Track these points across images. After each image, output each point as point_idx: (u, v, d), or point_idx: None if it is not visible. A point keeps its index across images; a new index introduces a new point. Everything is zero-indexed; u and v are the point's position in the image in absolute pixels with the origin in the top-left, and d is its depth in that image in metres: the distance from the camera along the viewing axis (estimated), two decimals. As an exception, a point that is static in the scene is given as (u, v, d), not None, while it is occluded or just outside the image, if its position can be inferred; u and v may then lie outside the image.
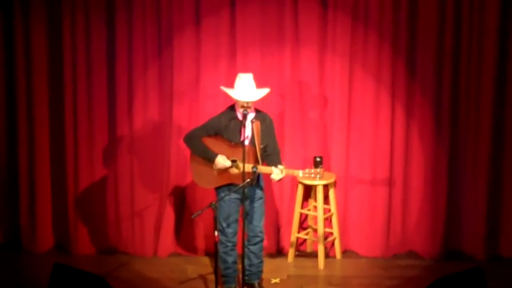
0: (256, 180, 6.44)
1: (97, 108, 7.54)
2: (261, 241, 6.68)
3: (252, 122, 6.37)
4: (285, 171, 6.37)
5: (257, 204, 6.56)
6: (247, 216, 6.49)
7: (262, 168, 6.39)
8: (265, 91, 6.47)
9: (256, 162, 6.37)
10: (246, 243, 6.53)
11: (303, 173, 6.39)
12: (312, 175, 6.36)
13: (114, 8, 7.38)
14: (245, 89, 6.36)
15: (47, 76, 7.57)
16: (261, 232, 6.64)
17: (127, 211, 7.65)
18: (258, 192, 6.57)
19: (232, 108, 6.51)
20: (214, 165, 6.44)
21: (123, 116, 7.55)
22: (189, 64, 7.45)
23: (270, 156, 6.52)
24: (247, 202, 6.43)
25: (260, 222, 6.62)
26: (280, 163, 6.43)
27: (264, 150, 6.48)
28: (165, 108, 7.51)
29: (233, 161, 6.43)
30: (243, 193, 6.23)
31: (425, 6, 7.25)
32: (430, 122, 7.43)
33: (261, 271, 6.81)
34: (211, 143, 6.47)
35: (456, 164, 7.46)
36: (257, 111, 6.53)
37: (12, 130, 7.66)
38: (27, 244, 7.75)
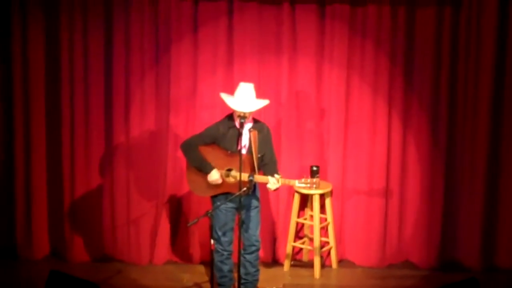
0: (253, 189, 6.44)
1: (94, 116, 7.52)
2: (257, 250, 6.67)
3: (249, 131, 6.38)
4: (281, 181, 6.37)
5: (253, 213, 6.56)
6: (243, 225, 6.49)
7: (259, 178, 6.39)
8: (263, 102, 6.48)
9: (252, 171, 6.37)
10: (242, 252, 6.53)
11: (299, 183, 6.38)
12: (309, 185, 6.35)
13: (112, 15, 7.37)
14: (243, 99, 6.37)
15: (44, 84, 7.54)
16: (257, 241, 6.64)
17: (123, 219, 7.63)
18: (254, 201, 6.57)
19: (230, 117, 6.52)
20: (208, 178, 6.45)
21: (119, 124, 7.54)
22: (186, 73, 7.45)
23: (267, 165, 6.53)
24: (243, 211, 6.43)
25: (256, 231, 6.61)
26: (277, 173, 6.44)
27: (261, 160, 6.48)
28: (162, 116, 7.51)
29: (229, 170, 6.43)
30: (239, 202, 6.23)
31: (423, 17, 7.26)
32: (427, 132, 7.43)
33: (257, 280, 6.80)
34: (208, 152, 6.47)
35: (452, 174, 7.47)
36: (255, 120, 6.54)
37: (9, 137, 7.63)
38: (22, 251, 7.72)
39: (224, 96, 6.48)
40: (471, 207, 7.46)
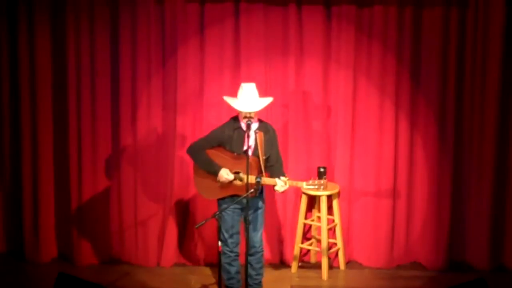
0: (260, 190, 6.42)
1: (101, 118, 7.53)
2: (257, 252, 6.64)
3: (255, 133, 6.36)
4: (288, 183, 6.35)
5: (256, 214, 6.55)
6: (249, 226, 6.48)
7: (266, 180, 6.37)
8: (267, 100, 6.47)
9: (259, 173, 6.37)
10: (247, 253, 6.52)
11: (307, 185, 6.36)
12: (316, 186, 6.34)
13: (118, 17, 7.38)
14: (248, 99, 6.36)
15: (51, 87, 7.56)
16: (257, 242, 6.61)
17: (131, 221, 7.64)
18: (260, 203, 6.56)
19: (235, 118, 6.51)
20: (217, 178, 6.44)
21: (126, 126, 7.55)
22: (193, 74, 7.45)
23: (273, 167, 6.51)
24: (249, 212, 6.42)
25: (258, 233, 6.59)
26: (283, 174, 6.42)
27: (267, 161, 6.46)
28: (169, 118, 7.51)
29: (236, 173, 6.41)
30: (247, 203, 6.22)
31: (429, 17, 7.25)
32: (434, 133, 7.42)
33: (258, 284, 6.73)
34: (214, 155, 6.46)
35: (460, 174, 7.46)
36: (260, 121, 6.52)
37: (16, 140, 7.66)
38: (30, 254, 7.73)
39: (228, 99, 6.47)
40: (479, 207, 7.44)
